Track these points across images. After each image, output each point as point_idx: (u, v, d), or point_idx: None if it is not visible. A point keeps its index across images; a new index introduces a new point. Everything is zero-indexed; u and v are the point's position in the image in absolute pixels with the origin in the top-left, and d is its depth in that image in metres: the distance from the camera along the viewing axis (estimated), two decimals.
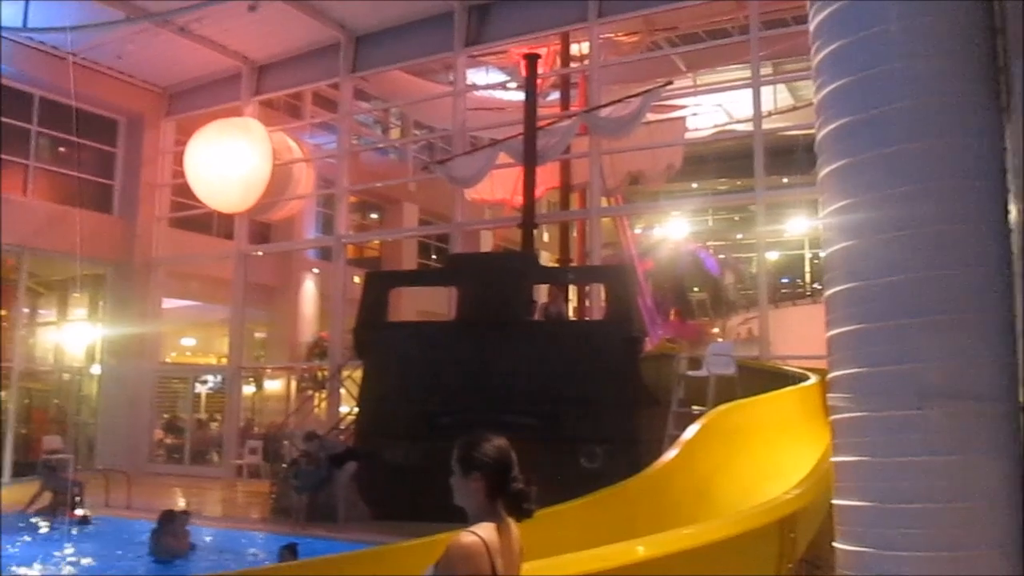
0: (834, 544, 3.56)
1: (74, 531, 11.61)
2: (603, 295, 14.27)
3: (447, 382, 11.87)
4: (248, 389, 21.94)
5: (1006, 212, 3.37)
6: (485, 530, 2.75)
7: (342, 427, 15.25)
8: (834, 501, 3.60)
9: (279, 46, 18.86)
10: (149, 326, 19.86)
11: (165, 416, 20.99)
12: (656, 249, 27.95)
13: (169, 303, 20.96)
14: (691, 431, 7.95)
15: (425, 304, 22.57)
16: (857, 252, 3.63)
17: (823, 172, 3.86)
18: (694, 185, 31.92)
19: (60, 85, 17.28)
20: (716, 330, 26.65)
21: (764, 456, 8.30)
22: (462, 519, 2.84)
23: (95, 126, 20.05)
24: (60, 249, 17.52)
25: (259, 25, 17.80)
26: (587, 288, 16.77)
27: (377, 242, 26.83)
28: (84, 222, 18.85)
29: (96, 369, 19.95)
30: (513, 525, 2.86)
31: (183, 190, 19.22)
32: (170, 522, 10.06)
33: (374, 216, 27.68)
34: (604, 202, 17.17)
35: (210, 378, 22.75)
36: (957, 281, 3.36)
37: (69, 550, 10.60)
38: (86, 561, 10.09)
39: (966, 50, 3.47)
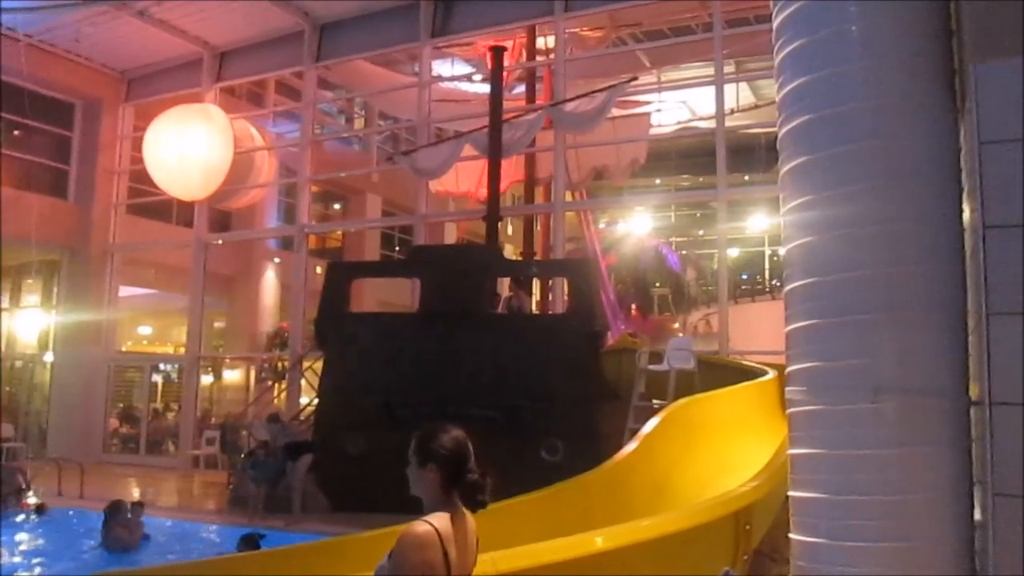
0: (789, 535, 3.62)
1: (31, 519, 11.38)
2: (566, 289, 14.32)
3: (408, 374, 11.84)
4: (206, 379, 21.70)
5: (959, 211, 3.44)
6: (439, 520, 2.76)
7: (302, 418, 15.15)
8: (790, 493, 3.65)
9: (241, 32, 18.61)
10: (105, 314, 19.58)
11: (120, 405, 20.72)
12: (619, 244, 28.11)
13: (126, 291, 20.68)
14: (651, 425, 8.02)
15: (387, 295, 22.48)
16: (815, 248, 3.68)
17: (784, 169, 3.91)
18: (657, 181, 32.11)
19: (14, 67, 16.87)
20: (677, 325, 26.90)
21: (722, 449, 8.40)
22: (420, 510, 2.85)
23: (51, 110, 19.66)
24: (13, 234, 17.14)
25: (221, 10, 17.56)
26: (550, 282, 16.81)
27: (340, 232, 26.66)
28: (38, 207, 18.49)
29: (49, 357, 19.61)
30: (469, 516, 2.88)
31: (141, 176, 18.90)
32: (117, 512, 9.88)
33: (337, 206, 27.47)
34: (568, 196, 17.23)
35: (167, 367, 22.49)
36: (911, 278, 3.42)
37: (20, 540, 10.40)
38: (35, 552, 9.90)
39: (924, 51, 3.53)
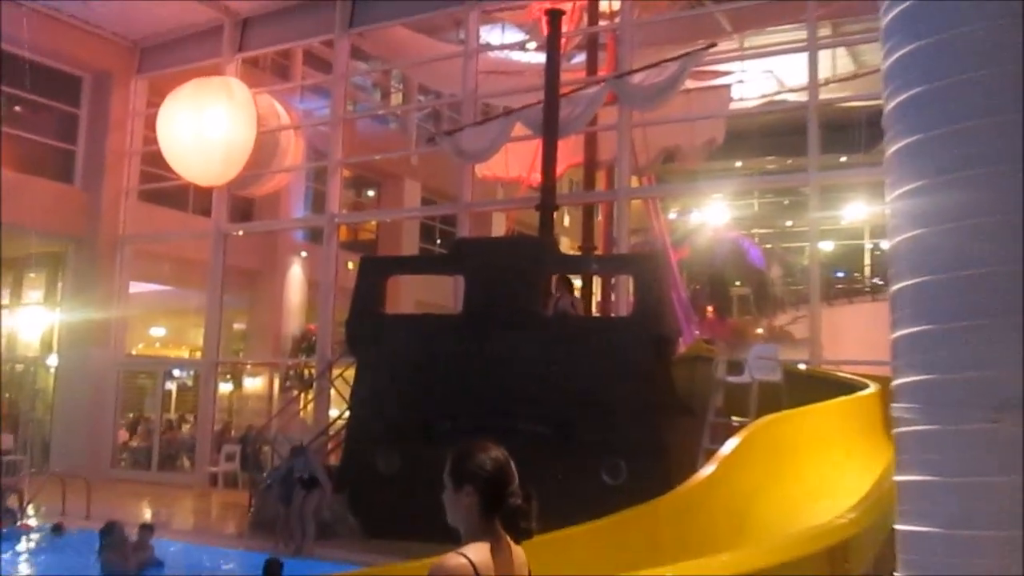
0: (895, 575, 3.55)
1: (40, 541, 11.65)
2: (631, 288, 14.26)
3: (450, 383, 11.95)
4: (225, 387, 22.09)
5: None
6: (476, 551, 2.75)
7: (331, 432, 15.34)
8: (896, 526, 3.58)
9: None
10: (114, 312, 19.97)
11: (130, 415, 21.17)
12: (692, 237, 27.90)
13: (137, 287, 21.09)
14: (730, 445, 7.95)
15: (427, 295, 22.60)
16: (926, 242, 3.60)
17: (890, 150, 3.83)
18: (738, 164, 31.75)
19: (15, 35, 17.15)
20: (760, 330, 26.59)
21: (814, 475, 8.30)
22: (460, 539, 2.85)
23: (56, 83, 20.07)
24: (14, 222, 17.51)
25: None
26: (612, 280, 16.76)
27: (374, 223, 26.91)
28: (41, 192, 18.96)
29: (53, 360, 20.08)
30: (516, 548, 2.87)
31: (155, 159, 19.29)
32: (110, 535, 10.01)
33: (371, 193, 27.74)
34: (634, 182, 17.14)
35: (182, 373, 22.89)
36: None
37: (19, 563, 10.68)
38: None
39: None
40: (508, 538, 2.83)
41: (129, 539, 10.22)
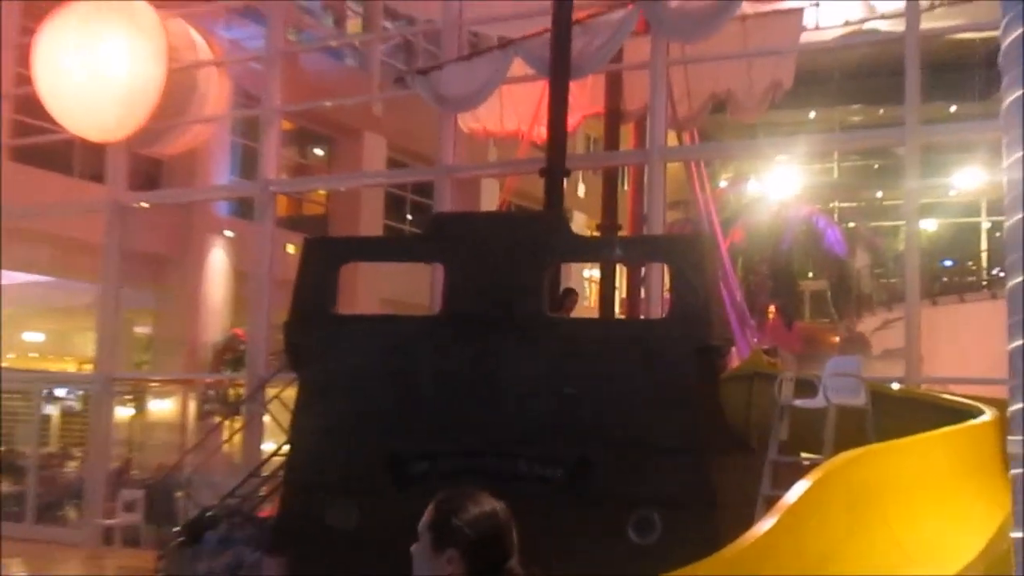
0: None
1: None
2: (666, 282, 14.26)
3: (426, 410, 11.93)
4: (124, 412, 22.06)
5: None
6: None
7: (264, 474, 15.36)
8: None
9: None
10: None
11: None
12: (749, 213, 27.87)
13: (7, 278, 20.98)
14: (798, 491, 7.97)
15: (395, 290, 22.60)
16: None
17: (1008, 99, 3.85)
18: (811, 115, 31.80)
19: None
20: (839, 338, 26.63)
21: (910, 531, 8.34)
22: None
23: None
24: None
25: None
26: (642, 271, 16.74)
27: (323, 192, 26.86)
28: None
29: None
30: None
31: (30, 105, 19.26)
32: None
33: (319, 152, 27.72)
34: (672, 139, 17.11)
35: (67, 393, 22.85)
36: None
37: None
38: None
39: None
40: None
41: None
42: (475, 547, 2.84)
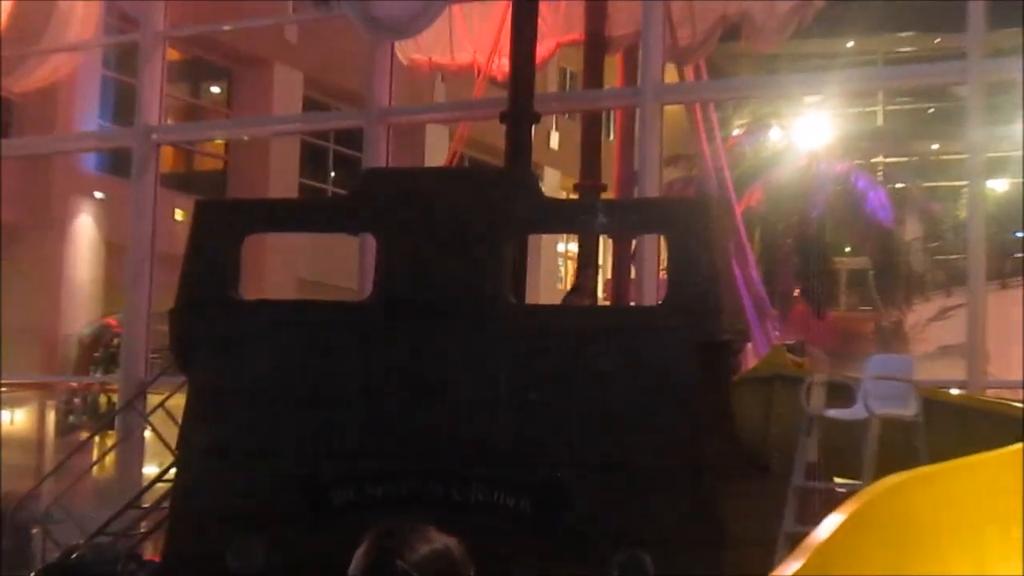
0: None
1: None
2: (662, 258, 14.35)
3: (354, 422, 11.98)
4: None
5: None
6: None
7: (145, 505, 15.37)
8: None
9: None
10: None
11: None
12: (770, 171, 27.87)
13: None
14: (829, 526, 8.04)
15: (313, 268, 22.62)
16: None
17: None
18: (849, 44, 31.91)
19: None
20: (883, 329, 26.74)
21: (970, 571, 8.45)
22: None
23: None
24: None
25: None
26: (632, 245, 16.82)
27: (221, 143, 26.75)
28: None
29: None
30: None
31: None
32: None
33: (216, 90, 27.61)
34: (671, 75, 17.18)
35: None
36: None
37: None
38: None
39: None
40: None
41: None
42: None
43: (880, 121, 34.05)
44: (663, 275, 14.82)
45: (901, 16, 29.01)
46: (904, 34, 30.26)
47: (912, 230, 27.98)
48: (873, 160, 30.52)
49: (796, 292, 26.00)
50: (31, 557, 16.52)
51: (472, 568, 2.94)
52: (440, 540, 2.92)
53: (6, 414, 23.10)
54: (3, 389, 22.85)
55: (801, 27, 17.93)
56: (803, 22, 17.72)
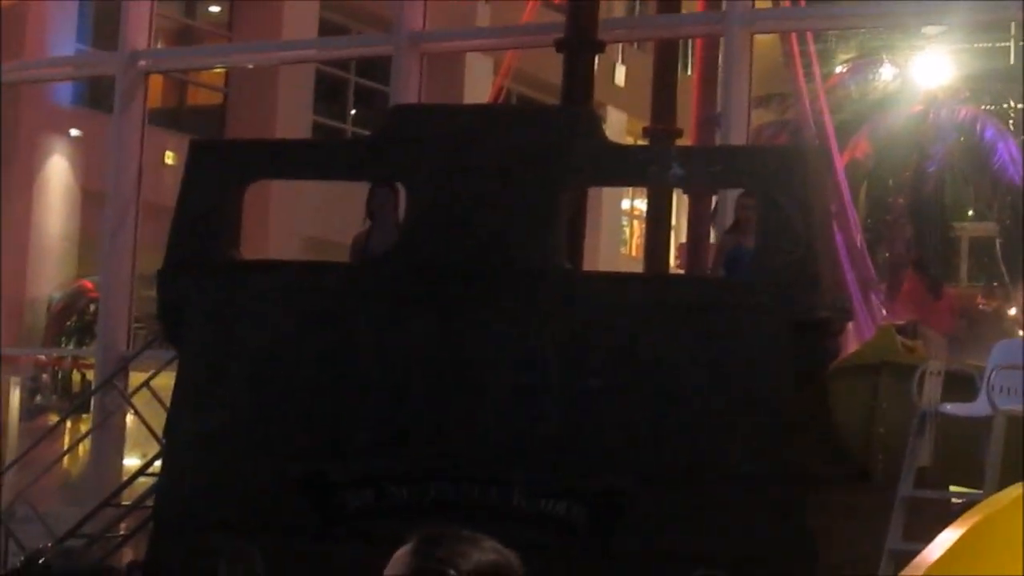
0: None
1: None
2: (748, 217, 14.24)
3: (368, 408, 11.96)
4: None
5: None
6: None
7: (125, 503, 15.39)
8: None
9: None
10: None
11: None
12: (881, 115, 27.65)
13: None
14: (943, 542, 7.94)
15: (324, 224, 22.62)
16: None
17: None
18: None
19: None
20: (1014, 311, 26.52)
21: None
22: None
23: None
24: None
25: None
26: (712, 202, 16.73)
27: (220, 71, 26.79)
28: None
29: None
30: None
31: None
32: None
33: (215, 9, 27.62)
34: (761, 1, 17.07)
35: None
36: None
37: None
38: None
39: None
40: None
41: None
42: None
43: (1013, 59, 33.76)
44: (750, 240, 14.69)
45: None
46: None
47: None
48: (1004, 106, 30.26)
49: (908, 263, 25.80)
50: None
51: None
52: (493, 548, 2.93)
53: None
54: None
55: None
56: None
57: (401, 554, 2.90)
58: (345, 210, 19.57)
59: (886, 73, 29.57)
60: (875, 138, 26.58)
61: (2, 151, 22.73)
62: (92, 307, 19.76)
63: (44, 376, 21.92)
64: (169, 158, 19.15)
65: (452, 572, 2.80)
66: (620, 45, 23.14)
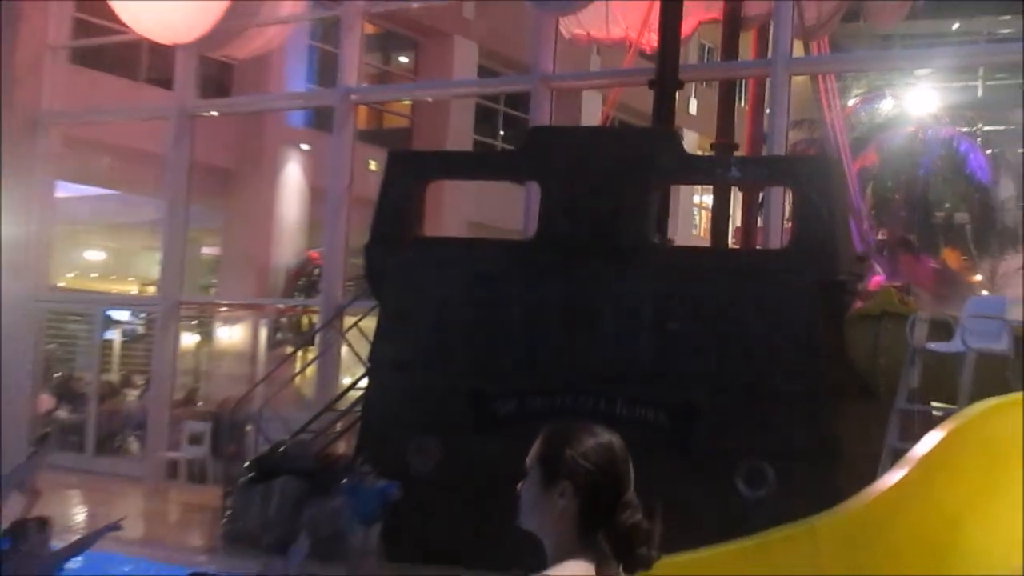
0: None
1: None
2: (788, 209, 14.15)
3: (517, 345, 12.08)
4: (190, 339, 22.44)
5: None
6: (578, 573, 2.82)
7: (340, 409, 15.57)
8: None
9: None
10: (31, 226, 19.91)
11: (56, 375, 21.55)
12: (883, 135, 27.37)
13: (65, 189, 21.24)
14: (928, 443, 7.91)
15: (484, 212, 22.62)
16: None
17: None
18: (955, 26, 31.07)
19: None
20: (979, 276, 26.16)
21: None
22: (537, 564, 2.89)
23: None
24: None
25: None
26: (760, 196, 16.61)
27: (408, 103, 26.83)
28: None
29: None
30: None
31: (93, 3, 19.33)
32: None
33: (404, 59, 27.67)
34: (798, 50, 16.83)
35: (129, 317, 23.28)
36: None
37: None
38: None
39: None
40: (613, 562, 2.85)
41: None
42: (590, 479, 2.85)
43: (980, 93, 33.16)
44: (787, 223, 14.68)
45: (1002, 2, 28.29)
46: (1003, 17, 29.39)
47: (1007, 189, 27.44)
48: (974, 128, 29.80)
49: (904, 241, 25.67)
50: (246, 450, 16.84)
51: (630, 463, 2.94)
52: (608, 439, 2.94)
53: (226, 331, 23.56)
54: (224, 310, 23.34)
55: (914, 10, 17.62)
56: (915, 5, 17.39)
57: (537, 443, 2.95)
58: (497, 201, 19.66)
59: (887, 104, 29.21)
60: (879, 151, 26.34)
61: (254, 160, 23.09)
62: (317, 271, 19.94)
63: (283, 320, 22.15)
64: (372, 165, 19.23)
65: (567, 450, 2.86)
66: (694, 84, 22.82)
